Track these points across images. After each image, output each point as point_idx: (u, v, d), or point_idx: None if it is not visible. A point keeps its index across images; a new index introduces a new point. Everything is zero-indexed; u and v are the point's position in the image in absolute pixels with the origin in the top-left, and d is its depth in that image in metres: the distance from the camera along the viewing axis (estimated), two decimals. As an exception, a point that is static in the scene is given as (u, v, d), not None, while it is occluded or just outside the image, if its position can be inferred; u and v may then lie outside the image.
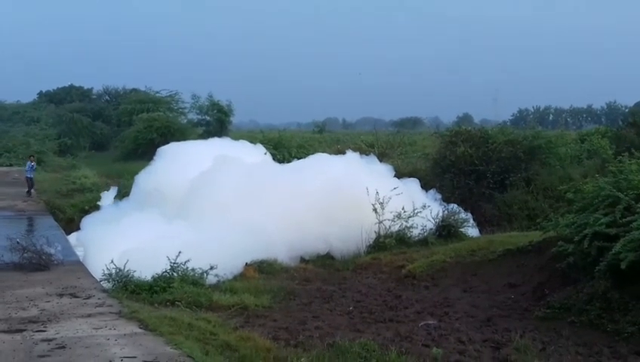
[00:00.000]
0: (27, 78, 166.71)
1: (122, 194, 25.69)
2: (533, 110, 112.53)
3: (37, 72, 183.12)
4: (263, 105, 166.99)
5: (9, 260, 15.03)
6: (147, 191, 22.40)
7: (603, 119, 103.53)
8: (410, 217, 20.86)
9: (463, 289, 16.09)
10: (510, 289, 15.28)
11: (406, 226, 20.96)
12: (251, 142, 29.34)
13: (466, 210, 23.80)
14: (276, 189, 20.43)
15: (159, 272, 14.45)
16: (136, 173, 24.68)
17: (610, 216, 13.28)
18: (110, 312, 11.26)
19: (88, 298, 12.29)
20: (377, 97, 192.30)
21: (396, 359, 10.32)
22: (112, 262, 14.43)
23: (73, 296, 12.45)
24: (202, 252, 15.42)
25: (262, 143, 30.34)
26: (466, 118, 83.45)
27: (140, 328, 10.29)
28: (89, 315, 11.00)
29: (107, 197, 25.32)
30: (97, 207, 25.14)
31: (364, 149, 32.67)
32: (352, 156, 25.77)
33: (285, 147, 36.68)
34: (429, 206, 21.41)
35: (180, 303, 12.91)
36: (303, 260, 19.92)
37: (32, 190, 28.39)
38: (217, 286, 15.37)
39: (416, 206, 20.95)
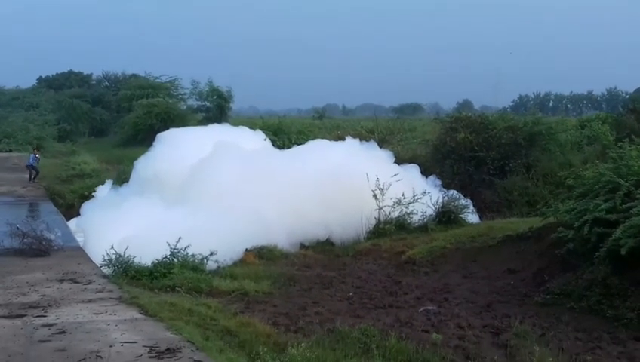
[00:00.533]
0: (26, 63, 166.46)
1: (122, 179, 25.63)
2: (533, 96, 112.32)
3: (36, 57, 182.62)
4: (263, 92, 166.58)
5: (9, 246, 15.03)
6: (146, 177, 22.35)
7: (603, 105, 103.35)
8: (410, 203, 20.86)
9: (462, 275, 16.12)
10: (510, 275, 15.31)
11: (406, 212, 20.97)
12: (251, 128, 29.26)
13: (465, 196, 23.77)
14: (276, 175, 20.40)
15: (159, 258, 14.48)
16: (136, 159, 24.63)
17: (610, 202, 13.29)
18: (110, 298, 11.27)
19: (88, 283, 12.30)
20: (377, 83, 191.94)
21: (396, 344, 10.35)
22: (112, 247, 14.45)
23: (73, 281, 12.46)
24: (202, 238, 15.42)
25: (262, 129, 30.24)
26: (466, 104, 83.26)
27: (140, 313, 10.30)
28: (89, 301, 11.01)
29: (102, 190, 25.04)
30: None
31: (364, 135, 32.63)
32: (351, 142, 25.74)
33: (285, 133, 36.60)
34: (429, 192, 21.40)
35: (180, 289, 12.93)
36: (302, 246, 19.94)
37: (35, 179, 28.28)
38: (217, 272, 15.40)
39: (416, 192, 20.93)
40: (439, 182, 24.94)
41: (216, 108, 47.46)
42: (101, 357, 8.08)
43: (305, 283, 15.37)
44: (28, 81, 72.88)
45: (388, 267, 17.44)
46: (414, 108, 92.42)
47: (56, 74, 66.13)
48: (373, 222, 20.86)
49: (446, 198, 21.84)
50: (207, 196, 19.42)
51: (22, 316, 10.01)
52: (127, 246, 14.35)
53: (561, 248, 13.88)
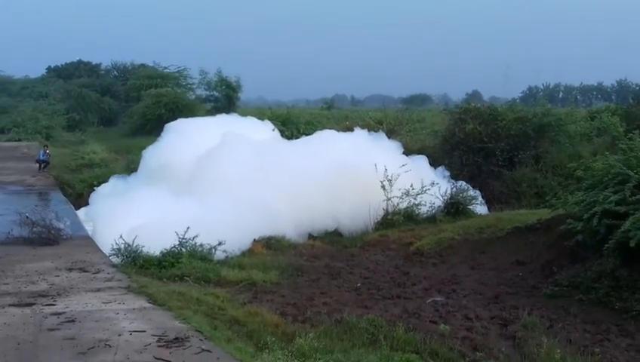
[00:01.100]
0: (35, 53, 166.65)
1: (130, 169, 25.69)
2: (542, 87, 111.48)
3: (45, 47, 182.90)
4: (272, 82, 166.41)
5: (18, 235, 15.10)
6: (155, 167, 22.40)
7: (613, 97, 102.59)
8: (418, 194, 20.84)
9: (470, 266, 16.10)
10: (518, 266, 15.29)
11: (414, 203, 20.95)
12: (259, 118, 29.25)
13: (474, 187, 23.72)
14: (284, 166, 20.40)
15: (168, 247, 14.52)
16: (145, 148, 24.66)
17: (619, 194, 13.22)
18: (119, 287, 11.31)
19: (97, 272, 12.35)
20: (386, 74, 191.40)
21: (403, 335, 10.37)
22: (120, 237, 14.49)
23: (82, 270, 12.51)
24: (210, 228, 15.46)
25: (270, 120, 30.24)
26: (475, 95, 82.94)
27: (149, 302, 10.34)
28: (98, 289, 11.06)
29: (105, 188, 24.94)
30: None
31: (372, 126, 32.51)
32: (360, 133, 25.70)
33: (293, 123, 36.51)
34: (437, 183, 21.36)
35: (188, 278, 12.98)
36: (310, 237, 19.95)
37: (45, 169, 28.34)
38: (225, 262, 15.44)
39: (424, 183, 20.90)
40: (448, 173, 24.88)
41: (224, 98, 47.45)
42: (110, 346, 8.12)
43: (313, 273, 15.38)
44: (37, 71, 73.05)
45: (396, 258, 17.43)
46: (423, 99, 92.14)
47: (66, 63, 66.17)
48: (382, 212, 20.86)
49: (454, 189, 21.79)
50: (216, 186, 19.43)
51: (31, 304, 10.07)
52: (136, 236, 14.40)
53: (570, 240, 13.83)
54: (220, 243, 15.24)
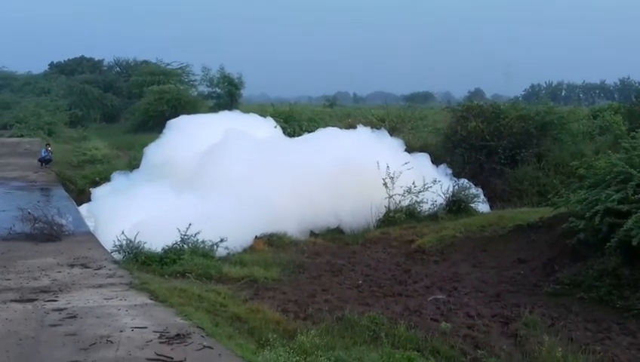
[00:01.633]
0: (38, 48, 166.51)
1: (132, 166, 25.71)
2: (545, 85, 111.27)
3: (48, 43, 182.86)
4: (274, 79, 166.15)
5: (21, 230, 15.10)
6: (157, 163, 22.42)
7: (616, 95, 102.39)
8: (420, 192, 20.86)
9: (472, 264, 16.10)
10: (520, 264, 15.29)
11: (416, 201, 20.97)
12: (262, 115, 29.30)
13: (476, 185, 23.74)
14: (286, 163, 20.40)
15: (169, 244, 14.53)
16: (147, 145, 24.67)
17: (622, 193, 13.22)
18: (121, 283, 11.32)
19: (99, 268, 12.36)
20: (388, 72, 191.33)
21: (405, 333, 10.37)
22: (122, 233, 14.49)
23: (84, 266, 12.52)
24: (212, 224, 15.46)
25: (272, 116, 30.26)
26: (477, 93, 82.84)
27: (151, 299, 10.34)
28: (100, 286, 11.07)
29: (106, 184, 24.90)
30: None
31: (374, 123, 32.51)
32: (363, 130, 25.69)
33: (296, 120, 36.50)
34: (439, 181, 21.38)
35: (190, 275, 12.98)
36: (312, 234, 19.97)
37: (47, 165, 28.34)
38: (227, 259, 15.44)
39: (426, 181, 20.93)
40: (450, 171, 24.89)
41: (226, 95, 47.49)
42: (111, 342, 8.12)
43: (314, 270, 15.39)
44: (40, 67, 72.89)
45: (397, 255, 17.44)
46: (425, 97, 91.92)
47: (68, 59, 66.13)
48: (383, 210, 20.88)
49: (456, 187, 21.79)
50: (218, 183, 19.45)
51: (33, 300, 10.07)
52: (138, 232, 14.39)
53: (572, 238, 13.83)
54: (221, 240, 15.24)
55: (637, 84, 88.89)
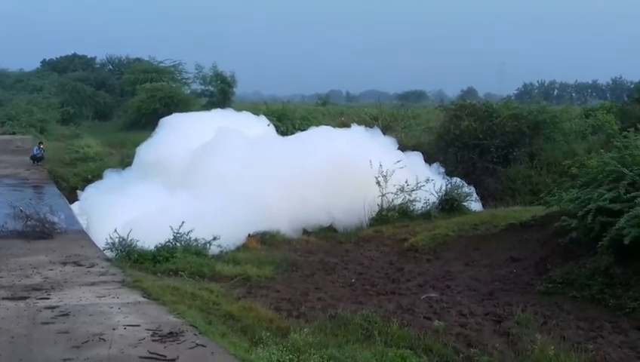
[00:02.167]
0: (30, 46, 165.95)
1: (125, 163, 25.65)
2: (538, 85, 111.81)
3: (40, 40, 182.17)
4: (267, 77, 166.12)
5: (12, 228, 15.04)
6: (149, 161, 22.38)
7: (608, 95, 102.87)
8: (413, 190, 20.88)
9: (465, 262, 16.12)
10: (512, 263, 15.31)
11: (409, 199, 20.99)
12: (255, 113, 29.26)
13: (469, 184, 23.80)
14: (279, 161, 20.38)
15: (162, 242, 14.49)
16: (139, 142, 24.60)
17: (614, 192, 13.26)
18: (113, 281, 11.29)
19: (92, 266, 12.33)
20: (381, 70, 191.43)
21: (398, 331, 10.37)
22: (115, 231, 14.44)
23: (76, 264, 12.48)
24: (205, 222, 15.43)
25: (265, 115, 30.24)
26: (470, 92, 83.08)
27: (143, 297, 10.32)
28: (92, 284, 11.04)
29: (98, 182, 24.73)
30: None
31: (367, 122, 32.52)
32: (356, 129, 25.70)
33: (289, 119, 36.51)
34: (432, 179, 21.44)
35: (182, 273, 12.95)
36: (305, 232, 19.95)
37: (39, 162, 28.24)
38: (220, 257, 15.42)
39: (419, 179, 20.95)
40: (443, 170, 24.95)
41: (219, 93, 47.42)
42: (104, 340, 8.10)
43: (307, 268, 15.39)
44: (32, 64, 72.82)
45: (390, 254, 17.44)
46: (418, 96, 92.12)
47: (61, 57, 65.98)
48: (376, 208, 20.89)
49: (449, 186, 21.85)
50: (210, 181, 19.42)
51: (25, 298, 10.04)
52: (131, 230, 14.35)
53: (564, 237, 13.86)
54: (214, 238, 15.21)
55: (629, 84, 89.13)
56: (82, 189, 23.43)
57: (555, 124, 28.24)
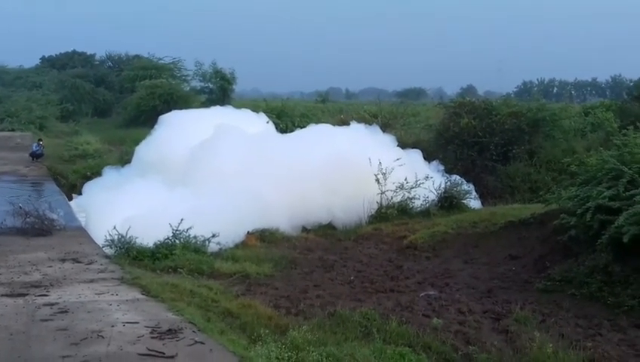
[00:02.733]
0: (30, 42, 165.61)
1: (124, 160, 25.64)
2: (537, 82, 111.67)
3: (39, 36, 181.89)
4: (267, 74, 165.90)
5: (11, 225, 15.05)
6: (148, 158, 22.39)
7: (607, 92, 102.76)
8: (412, 188, 20.86)
9: (464, 260, 16.12)
10: (511, 261, 15.32)
11: (408, 197, 20.98)
12: (254, 110, 29.24)
13: (468, 181, 23.78)
14: (279, 159, 20.37)
15: (161, 239, 14.49)
16: (139, 139, 24.60)
17: (613, 190, 13.25)
18: (112, 278, 11.29)
19: (90, 263, 12.33)
20: (381, 68, 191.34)
21: (396, 328, 10.38)
22: (114, 228, 14.44)
23: (75, 261, 12.49)
24: (204, 220, 15.43)
25: (265, 112, 30.24)
26: (469, 90, 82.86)
27: (142, 294, 10.33)
28: (91, 281, 11.04)
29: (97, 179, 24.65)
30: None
31: (367, 119, 32.49)
32: (355, 127, 25.69)
33: (288, 116, 36.50)
34: (431, 177, 21.41)
35: (181, 270, 12.95)
36: (304, 229, 19.95)
37: (38, 159, 28.23)
38: (219, 254, 15.42)
39: (418, 177, 20.93)
40: (442, 168, 24.92)
41: (219, 90, 47.35)
42: (103, 337, 8.11)
43: (306, 266, 15.39)
44: (31, 61, 72.54)
45: (389, 251, 17.45)
46: (418, 93, 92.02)
47: (60, 53, 65.79)
48: (376, 206, 20.88)
49: (448, 183, 21.84)
50: (209, 178, 19.42)
51: (24, 295, 10.04)
52: (130, 227, 14.34)
53: (563, 235, 13.86)
54: (213, 236, 15.20)
55: (628, 82, 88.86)
56: (81, 186, 23.41)
57: (554, 122, 28.21)
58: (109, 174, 23.72)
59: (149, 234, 14.44)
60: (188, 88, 49.18)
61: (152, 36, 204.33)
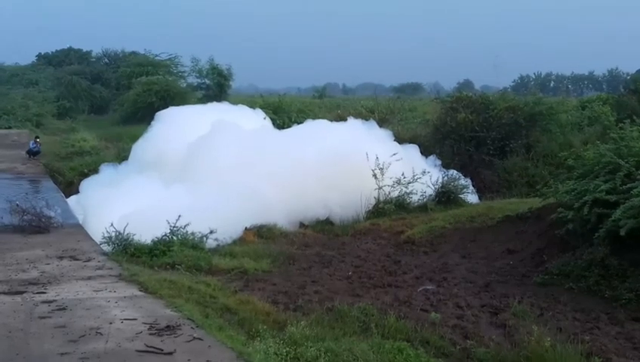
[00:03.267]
0: (25, 40, 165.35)
1: (121, 157, 25.60)
2: (534, 76, 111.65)
3: (35, 33, 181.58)
4: (263, 70, 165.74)
5: (9, 222, 15.03)
6: (145, 155, 22.35)
7: (604, 86, 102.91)
8: (409, 183, 20.86)
9: (461, 255, 16.15)
10: (509, 255, 15.35)
11: (405, 192, 20.98)
12: (251, 106, 29.21)
13: (465, 176, 23.77)
14: (276, 154, 20.36)
15: (159, 236, 14.49)
16: (136, 136, 24.53)
17: (610, 183, 13.29)
18: (110, 275, 11.29)
19: (88, 260, 12.32)
20: (377, 63, 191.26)
21: (395, 323, 10.39)
22: (111, 225, 14.42)
23: (73, 258, 12.47)
24: (202, 216, 15.43)
25: (261, 108, 30.19)
26: (466, 84, 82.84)
27: (140, 291, 10.33)
28: (89, 278, 11.03)
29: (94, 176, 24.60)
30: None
31: (364, 115, 32.46)
32: (352, 122, 25.67)
33: (285, 112, 36.38)
34: (428, 172, 21.40)
35: (179, 266, 12.95)
36: (302, 225, 19.96)
37: (35, 156, 28.16)
38: (217, 250, 15.43)
39: (415, 172, 20.93)
40: (439, 162, 24.91)
41: (216, 86, 47.24)
42: (101, 334, 8.11)
43: (304, 261, 15.40)
44: (27, 58, 72.34)
45: (387, 246, 17.46)
46: (415, 88, 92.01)
47: (56, 50, 65.73)
48: (373, 201, 20.86)
49: (446, 178, 21.84)
50: (207, 174, 19.40)
51: (22, 292, 10.03)
52: (127, 224, 14.33)
53: (561, 229, 13.90)
54: (211, 232, 15.19)
55: (625, 75, 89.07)
56: (78, 184, 23.36)
57: (551, 116, 28.17)
58: (106, 171, 23.68)
59: (146, 231, 14.43)
60: (184, 84, 49.05)
61: (149, 33, 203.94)
